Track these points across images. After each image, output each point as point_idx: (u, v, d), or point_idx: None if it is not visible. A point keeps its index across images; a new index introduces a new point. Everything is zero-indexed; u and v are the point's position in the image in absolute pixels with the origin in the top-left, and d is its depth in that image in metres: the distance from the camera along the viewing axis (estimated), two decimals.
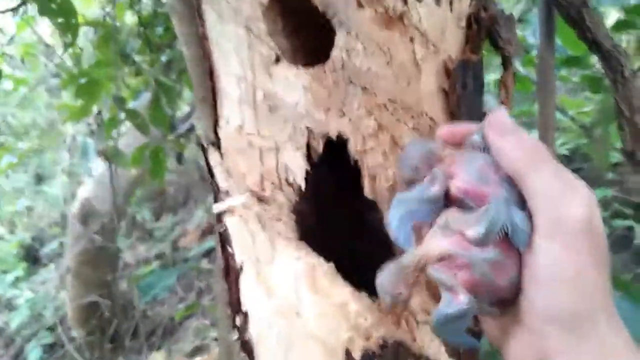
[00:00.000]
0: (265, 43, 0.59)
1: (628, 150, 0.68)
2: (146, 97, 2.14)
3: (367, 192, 0.63)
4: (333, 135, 0.60)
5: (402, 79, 0.55)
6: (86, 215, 2.73)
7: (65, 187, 3.29)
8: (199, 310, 2.88)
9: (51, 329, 3.08)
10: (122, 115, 2.18)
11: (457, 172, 0.41)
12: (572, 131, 2.10)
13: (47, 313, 3.16)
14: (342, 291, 0.57)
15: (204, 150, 0.66)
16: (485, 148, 0.41)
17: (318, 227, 0.72)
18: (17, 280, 3.48)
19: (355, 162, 0.62)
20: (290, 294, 0.57)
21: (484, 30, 0.56)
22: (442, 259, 0.38)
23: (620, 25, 0.99)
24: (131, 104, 2.17)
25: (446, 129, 0.45)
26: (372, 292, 0.58)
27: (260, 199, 0.63)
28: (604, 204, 2.05)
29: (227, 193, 0.63)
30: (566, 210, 0.36)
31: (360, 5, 0.53)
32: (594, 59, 1.28)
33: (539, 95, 0.78)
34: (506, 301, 0.39)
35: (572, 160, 2.33)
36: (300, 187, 0.64)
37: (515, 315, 0.39)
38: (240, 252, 0.59)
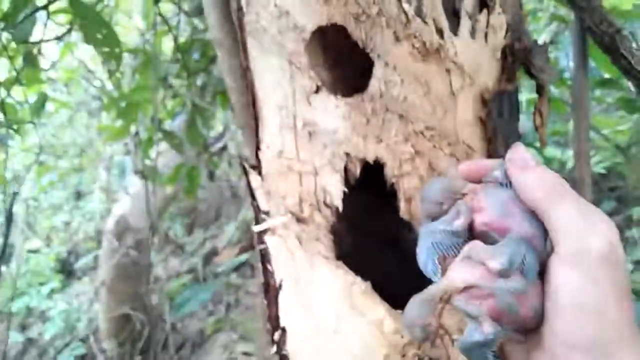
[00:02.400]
0: (307, 75, 0.63)
1: None
2: (182, 118, 2.22)
3: (403, 213, 0.66)
4: (370, 159, 0.64)
5: (439, 108, 0.58)
6: (121, 230, 2.81)
7: (101, 203, 3.39)
8: (228, 325, 2.91)
9: (83, 340, 3.15)
10: (159, 135, 2.26)
11: (481, 206, 0.43)
12: (608, 150, 2.09)
13: (80, 325, 3.23)
14: (379, 309, 0.60)
15: (246, 174, 0.70)
16: (507, 183, 0.43)
17: (354, 247, 0.76)
18: (52, 292, 3.58)
19: (392, 184, 0.65)
20: (328, 311, 0.60)
21: (518, 61, 0.59)
22: (467, 289, 0.40)
23: None
24: (168, 125, 2.25)
25: (466, 166, 0.47)
26: None
27: (300, 220, 0.67)
28: None
29: (267, 214, 0.67)
30: (588, 244, 0.38)
31: (397, 39, 0.57)
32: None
33: (574, 118, 0.80)
34: (530, 329, 0.41)
35: (609, 179, 2.31)
36: (337, 209, 0.67)
37: (538, 341, 0.41)
38: (279, 270, 0.63)
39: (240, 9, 0.65)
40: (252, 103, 0.69)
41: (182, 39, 1.97)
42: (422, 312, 0.41)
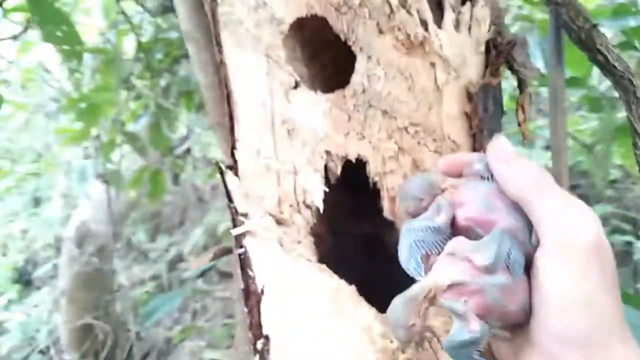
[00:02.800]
0: (285, 70, 0.60)
1: None
2: (145, 120, 2.16)
3: (387, 213, 0.64)
4: (352, 157, 0.61)
5: (424, 103, 0.56)
6: (82, 237, 2.72)
7: (61, 209, 3.27)
8: (195, 332, 2.85)
9: (43, 352, 3.04)
10: (121, 138, 2.19)
11: (462, 201, 0.42)
12: (569, 148, 2.13)
13: (40, 336, 3.11)
14: (366, 313, 0.57)
15: (222, 174, 0.66)
16: (488, 176, 0.42)
17: (334, 249, 0.73)
18: (10, 303, 3.44)
19: (375, 183, 0.63)
20: (313, 317, 0.57)
21: (502, 54, 0.58)
22: (452, 287, 0.38)
23: (622, 46, 1.02)
24: (130, 127, 2.18)
25: (445, 161, 0.46)
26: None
27: (279, 222, 0.64)
28: (603, 220, 2.07)
29: (246, 216, 0.64)
30: (575, 235, 0.37)
31: (381, 32, 0.54)
32: (593, 80, 1.32)
33: (551, 116, 0.80)
34: (517, 325, 0.40)
35: (570, 177, 2.35)
36: (318, 209, 0.64)
37: (527, 337, 0.40)
38: (261, 275, 0.60)
39: None
40: (226, 100, 0.66)
41: (144, 39, 1.91)
42: (406, 313, 0.39)
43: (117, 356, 2.65)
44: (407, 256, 0.42)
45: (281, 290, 0.59)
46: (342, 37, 0.56)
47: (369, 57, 0.55)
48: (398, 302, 0.40)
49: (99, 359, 2.58)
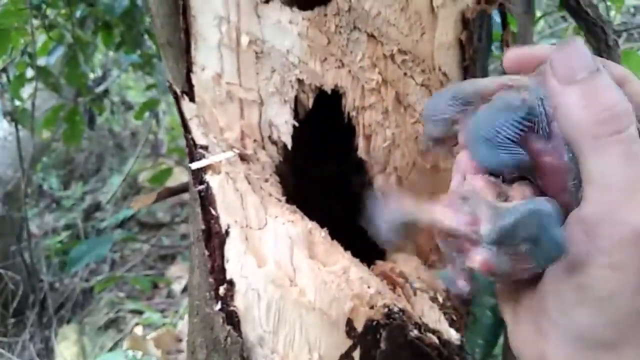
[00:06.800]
0: None
1: None
2: (59, 53, 1.94)
3: (361, 152, 0.59)
4: (328, 88, 0.55)
5: (417, 27, 0.50)
6: None
7: None
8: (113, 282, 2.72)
9: None
10: (31, 72, 1.99)
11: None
12: None
13: None
14: (340, 257, 0.53)
15: (177, 100, 0.58)
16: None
17: (297, 191, 0.67)
18: None
19: (350, 119, 0.57)
20: (284, 260, 0.51)
21: None
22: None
23: None
24: (42, 61, 1.96)
25: (516, 53, 0.36)
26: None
27: (242, 158, 0.57)
28: None
29: (206, 149, 0.56)
30: (623, 215, 0.28)
31: None
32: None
33: None
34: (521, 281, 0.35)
35: None
36: (285, 146, 0.58)
37: (530, 303, 0.35)
38: (226, 214, 0.53)
39: None
40: (182, 13, 0.57)
41: None
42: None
43: (28, 307, 2.49)
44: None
45: (249, 232, 0.52)
46: None
47: None
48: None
49: (9, 310, 2.41)
